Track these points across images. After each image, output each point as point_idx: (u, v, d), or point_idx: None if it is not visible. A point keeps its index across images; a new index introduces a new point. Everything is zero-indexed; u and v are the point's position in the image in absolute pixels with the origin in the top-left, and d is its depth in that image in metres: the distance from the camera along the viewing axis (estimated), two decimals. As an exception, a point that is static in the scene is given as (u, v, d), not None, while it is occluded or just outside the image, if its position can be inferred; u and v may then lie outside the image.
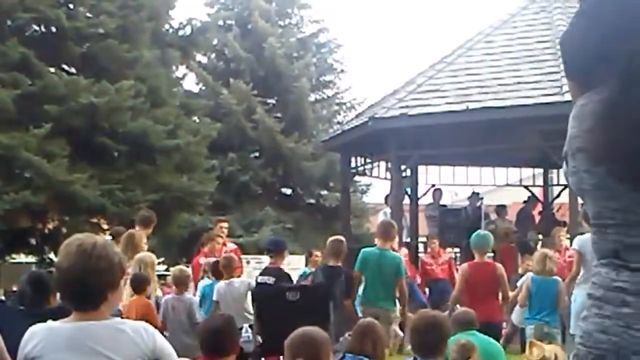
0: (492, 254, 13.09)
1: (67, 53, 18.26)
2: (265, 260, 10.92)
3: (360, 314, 9.39)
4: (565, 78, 2.77)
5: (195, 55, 24.81)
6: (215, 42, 26.74)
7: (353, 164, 17.05)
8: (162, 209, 16.29)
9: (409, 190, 16.74)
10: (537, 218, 17.71)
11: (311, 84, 27.92)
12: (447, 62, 15.19)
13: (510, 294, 9.84)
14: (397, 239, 13.06)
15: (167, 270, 20.03)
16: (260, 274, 10.38)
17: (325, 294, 8.93)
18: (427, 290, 14.34)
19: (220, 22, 27.80)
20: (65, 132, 17.03)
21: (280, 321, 7.49)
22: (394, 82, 30.35)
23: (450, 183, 18.60)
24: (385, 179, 16.89)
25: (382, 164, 16.87)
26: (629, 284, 2.12)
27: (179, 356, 3.41)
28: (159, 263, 13.33)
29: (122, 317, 5.07)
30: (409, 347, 6.00)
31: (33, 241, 19.59)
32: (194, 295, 10.12)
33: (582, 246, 9.18)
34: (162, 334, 3.98)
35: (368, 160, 17.13)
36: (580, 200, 13.06)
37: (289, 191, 28.08)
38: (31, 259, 20.90)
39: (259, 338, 8.82)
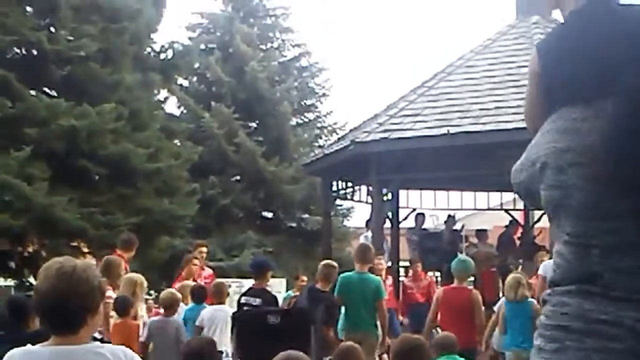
0: (473, 279, 13.11)
1: (48, 76, 18.21)
2: (247, 283, 10.89)
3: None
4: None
5: (177, 78, 24.80)
6: (196, 65, 26.74)
7: (334, 188, 17.06)
8: (143, 232, 16.19)
9: (390, 214, 16.76)
10: (518, 242, 17.74)
11: (293, 107, 27.97)
12: (428, 87, 15.26)
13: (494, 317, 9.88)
14: (384, 265, 13.15)
15: (148, 293, 19.89)
16: (244, 294, 10.25)
17: (307, 318, 8.91)
18: (405, 320, 14.28)
19: (202, 46, 27.89)
20: (46, 155, 16.97)
21: (261, 344, 7.46)
22: (375, 106, 30.44)
23: (432, 207, 18.65)
24: (367, 202, 16.90)
25: (364, 187, 16.89)
26: (614, 316, 2.05)
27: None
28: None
29: (102, 341, 5.04)
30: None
31: (12, 264, 19.42)
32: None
33: (547, 271, 9.25)
34: (142, 356, 3.96)
35: (349, 184, 17.15)
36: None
37: (270, 215, 28.05)
38: (10, 282, 20.72)
39: (239, 361, 8.79)
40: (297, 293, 12.10)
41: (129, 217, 17.57)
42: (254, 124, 27.61)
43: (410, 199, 18.23)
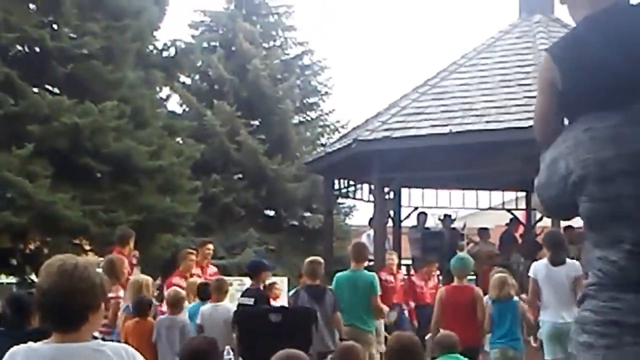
0: (474, 277, 13.10)
1: (51, 73, 18.20)
2: (248, 282, 10.94)
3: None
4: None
5: (179, 76, 24.76)
6: (199, 63, 26.71)
7: (336, 186, 17.07)
8: (145, 230, 16.22)
9: (392, 212, 16.75)
10: (520, 241, 17.75)
11: (295, 105, 27.93)
12: (431, 85, 15.26)
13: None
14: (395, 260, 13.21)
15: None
16: (242, 295, 10.39)
17: (308, 317, 8.92)
18: (415, 322, 14.15)
19: (205, 44, 27.82)
20: (48, 153, 16.97)
21: (263, 343, 7.47)
22: (377, 105, 30.52)
23: (434, 206, 18.65)
24: (369, 201, 16.91)
25: (366, 186, 16.90)
26: None
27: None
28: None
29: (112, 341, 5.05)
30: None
31: (14, 262, 19.42)
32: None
33: (536, 273, 9.30)
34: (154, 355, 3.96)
35: (351, 183, 17.15)
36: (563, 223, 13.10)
37: (272, 213, 28.00)
38: (12, 279, 20.73)
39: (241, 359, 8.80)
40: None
41: (131, 214, 17.55)
42: (256, 122, 27.56)
43: (413, 198, 18.26)
